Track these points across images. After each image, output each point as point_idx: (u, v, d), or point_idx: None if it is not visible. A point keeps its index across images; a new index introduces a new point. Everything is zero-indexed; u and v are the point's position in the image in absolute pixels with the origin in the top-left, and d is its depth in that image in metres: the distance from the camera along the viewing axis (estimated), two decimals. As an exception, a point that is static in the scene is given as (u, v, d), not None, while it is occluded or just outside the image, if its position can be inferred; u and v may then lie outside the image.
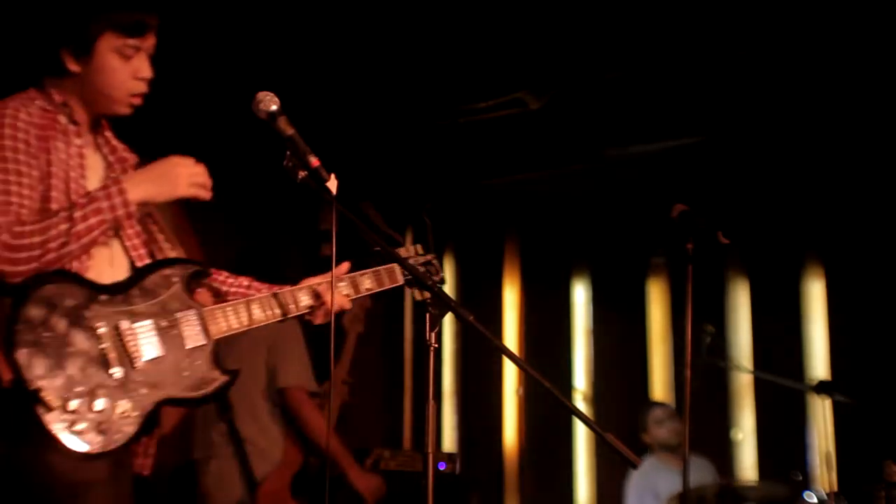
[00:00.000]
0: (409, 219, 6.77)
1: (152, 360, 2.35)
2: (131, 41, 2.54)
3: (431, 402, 2.33)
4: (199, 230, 4.74)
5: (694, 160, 5.82)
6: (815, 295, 6.05)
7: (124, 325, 2.34)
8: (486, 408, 6.68)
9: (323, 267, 2.49)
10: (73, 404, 2.20)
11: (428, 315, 2.37)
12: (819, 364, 5.94)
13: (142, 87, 2.58)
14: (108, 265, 2.48)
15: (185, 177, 2.53)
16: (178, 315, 2.44)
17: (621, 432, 2.47)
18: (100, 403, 2.23)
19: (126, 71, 2.55)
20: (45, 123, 2.45)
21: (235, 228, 5.44)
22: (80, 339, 2.27)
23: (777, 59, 5.02)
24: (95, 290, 2.35)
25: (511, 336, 6.75)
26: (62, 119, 2.50)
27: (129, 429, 2.27)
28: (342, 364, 4.81)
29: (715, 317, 5.65)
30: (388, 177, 6.30)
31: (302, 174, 2.44)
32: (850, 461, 5.08)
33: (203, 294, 2.63)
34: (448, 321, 6.47)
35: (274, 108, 2.50)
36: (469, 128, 5.79)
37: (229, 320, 2.53)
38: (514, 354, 2.53)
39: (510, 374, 6.62)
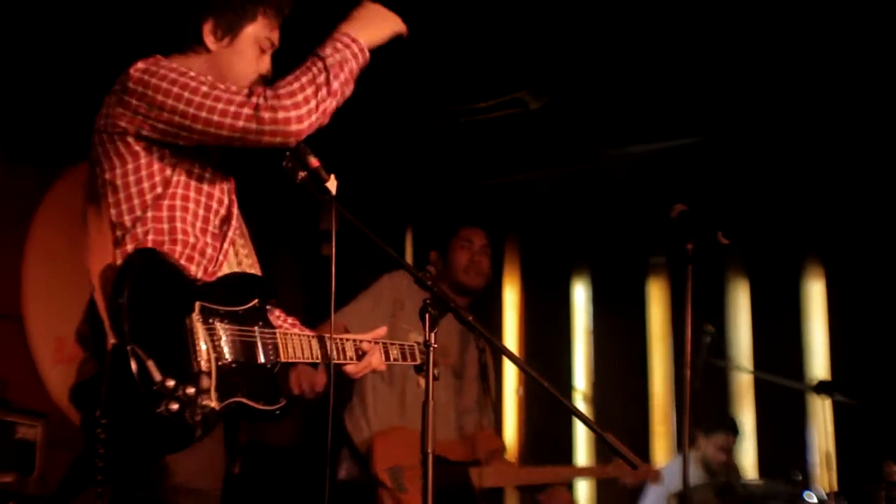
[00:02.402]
0: (408, 219, 6.77)
1: (228, 362, 2.33)
2: (274, 35, 2.54)
3: (431, 401, 2.33)
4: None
5: (694, 160, 5.82)
6: (815, 295, 6.05)
7: (213, 321, 2.33)
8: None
9: (322, 267, 2.48)
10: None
11: (428, 315, 2.37)
12: (819, 364, 5.94)
13: (259, 87, 2.51)
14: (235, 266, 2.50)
15: (389, 15, 2.56)
16: (255, 329, 2.43)
17: (621, 432, 2.47)
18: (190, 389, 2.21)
19: (255, 65, 2.53)
20: None
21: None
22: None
23: (777, 58, 5.02)
24: (193, 279, 2.35)
25: (511, 336, 6.74)
26: None
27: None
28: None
29: (715, 317, 5.64)
30: (387, 177, 6.30)
31: (301, 174, 2.44)
32: (850, 461, 5.08)
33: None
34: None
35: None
36: (469, 128, 5.79)
37: (296, 350, 2.51)
38: (514, 354, 2.53)
39: (510, 374, 6.61)
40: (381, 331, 2.83)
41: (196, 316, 2.29)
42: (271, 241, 5.44)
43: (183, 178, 2.41)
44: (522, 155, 6.11)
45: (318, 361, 2.59)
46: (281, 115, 2.30)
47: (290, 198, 4.93)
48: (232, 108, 2.30)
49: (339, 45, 2.45)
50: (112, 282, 2.23)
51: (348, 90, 2.45)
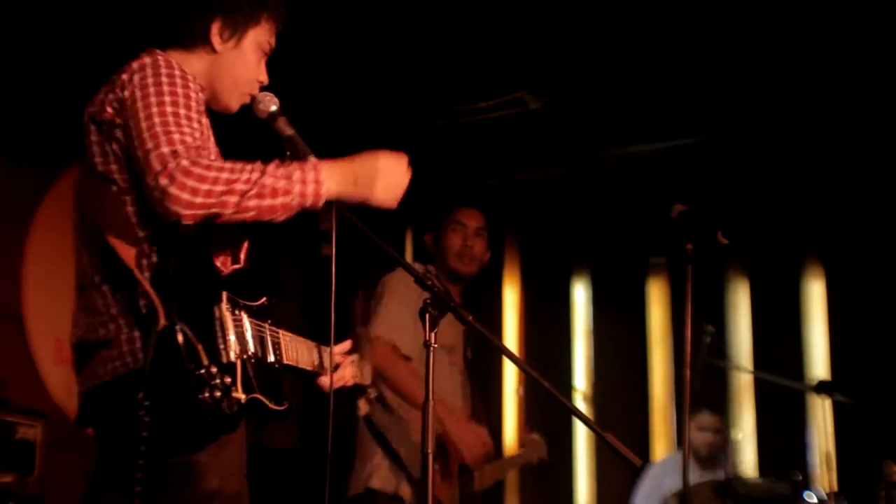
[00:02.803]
0: (408, 219, 6.77)
1: (250, 355, 2.32)
2: (273, 41, 2.51)
3: (432, 401, 2.33)
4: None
5: (694, 160, 5.83)
6: (815, 295, 6.05)
7: (238, 312, 2.32)
8: (486, 408, 6.68)
9: (322, 267, 2.47)
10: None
11: (428, 315, 2.37)
12: (819, 364, 5.94)
13: (256, 92, 2.50)
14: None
15: (384, 186, 2.39)
16: (266, 326, 2.42)
17: (621, 432, 2.47)
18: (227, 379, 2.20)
19: (255, 70, 2.50)
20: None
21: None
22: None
23: (777, 58, 5.02)
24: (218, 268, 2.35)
25: (511, 336, 6.74)
26: (200, 94, 2.36)
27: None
28: None
29: (715, 317, 5.64)
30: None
31: (302, 175, 2.42)
32: (850, 461, 5.08)
33: None
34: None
35: (274, 108, 2.50)
36: (469, 128, 5.79)
37: (295, 354, 2.50)
38: (514, 354, 2.52)
39: (510, 374, 6.61)
40: (346, 345, 2.76)
41: (225, 305, 2.28)
42: (271, 241, 5.43)
43: None
44: (522, 155, 6.11)
45: (312, 370, 2.57)
46: (173, 190, 2.13)
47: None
48: (151, 155, 2.18)
49: (296, 175, 2.26)
50: (155, 265, 2.23)
51: (269, 216, 2.24)
